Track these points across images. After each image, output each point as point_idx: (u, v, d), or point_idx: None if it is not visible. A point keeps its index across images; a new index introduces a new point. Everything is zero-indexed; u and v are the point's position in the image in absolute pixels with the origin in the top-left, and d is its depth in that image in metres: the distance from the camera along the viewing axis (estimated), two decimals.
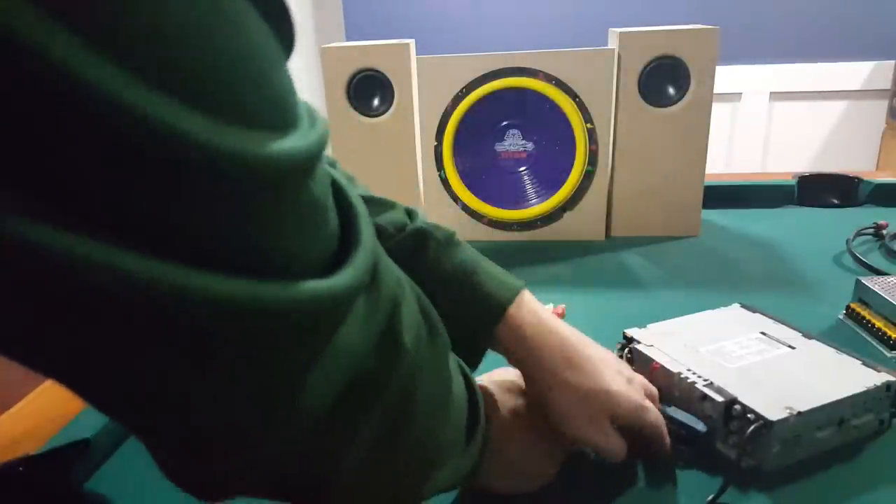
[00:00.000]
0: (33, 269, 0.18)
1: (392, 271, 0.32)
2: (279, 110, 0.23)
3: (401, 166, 0.99)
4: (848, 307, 0.69)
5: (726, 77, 2.18)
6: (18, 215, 0.18)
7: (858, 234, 0.92)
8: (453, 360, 0.39)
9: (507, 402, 0.46)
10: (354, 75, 0.95)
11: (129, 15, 0.18)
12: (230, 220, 0.22)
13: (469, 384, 0.41)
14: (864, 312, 0.66)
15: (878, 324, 0.64)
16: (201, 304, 0.21)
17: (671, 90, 0.91)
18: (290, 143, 0.23)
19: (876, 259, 0.85)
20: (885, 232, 0.91)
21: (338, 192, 0.30)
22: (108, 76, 0.17)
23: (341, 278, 0.26)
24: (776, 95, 2.24)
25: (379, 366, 0.30)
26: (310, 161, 0.24)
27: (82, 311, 0.20)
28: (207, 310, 0.21)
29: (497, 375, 0.49)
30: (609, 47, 0.91)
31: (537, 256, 0.93)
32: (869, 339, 0.65)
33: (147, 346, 0.22)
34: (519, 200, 0.98)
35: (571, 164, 0.94)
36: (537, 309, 0.45)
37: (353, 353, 0.28)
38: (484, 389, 0.45)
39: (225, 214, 0.21)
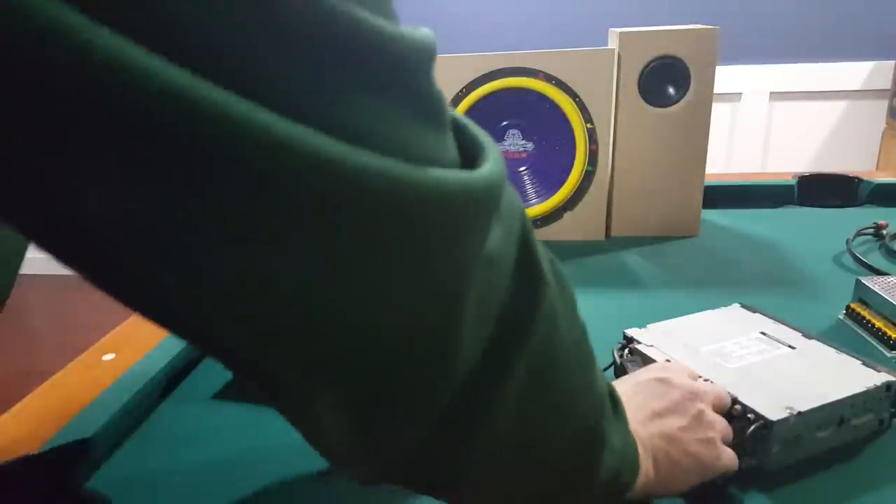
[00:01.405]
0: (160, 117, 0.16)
1: (515, 191, 0.29)
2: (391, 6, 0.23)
3: None
4: (848, 307, 0.69)
5: (726, 77, 2.18)
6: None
7: (858, 234, 0.92)
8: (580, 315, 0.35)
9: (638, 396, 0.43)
10: None
11: None
12: (373, 93, 0.20)
13: None
14: (864, 312, 0.66)
15: (878, 324, 0.64)
16: (343, 178, 0.19)
17: (671, 90, 0.91)
18: (405, 31, 0.22)
19: (876, 259, 0.85)
20: (885, 232, 0.91)
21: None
22: None
23: (485, 170, 0.23)
24: (776, 95, 2.24)
25: (521, 297, 0.27)
26: (430, 52, 0.23)
27: (200, 173, 0.17)
28: (352, 186, 0.19)
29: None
30: (609, 47, 0.91)
31: None
32: (869, 339, 0.65)
33: (280, 229, 0.19)
34: None
35: (571, 164, 0.94)
36: None
37: (497, 273, 0.25)
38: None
39: (367, 88, 0.20)
